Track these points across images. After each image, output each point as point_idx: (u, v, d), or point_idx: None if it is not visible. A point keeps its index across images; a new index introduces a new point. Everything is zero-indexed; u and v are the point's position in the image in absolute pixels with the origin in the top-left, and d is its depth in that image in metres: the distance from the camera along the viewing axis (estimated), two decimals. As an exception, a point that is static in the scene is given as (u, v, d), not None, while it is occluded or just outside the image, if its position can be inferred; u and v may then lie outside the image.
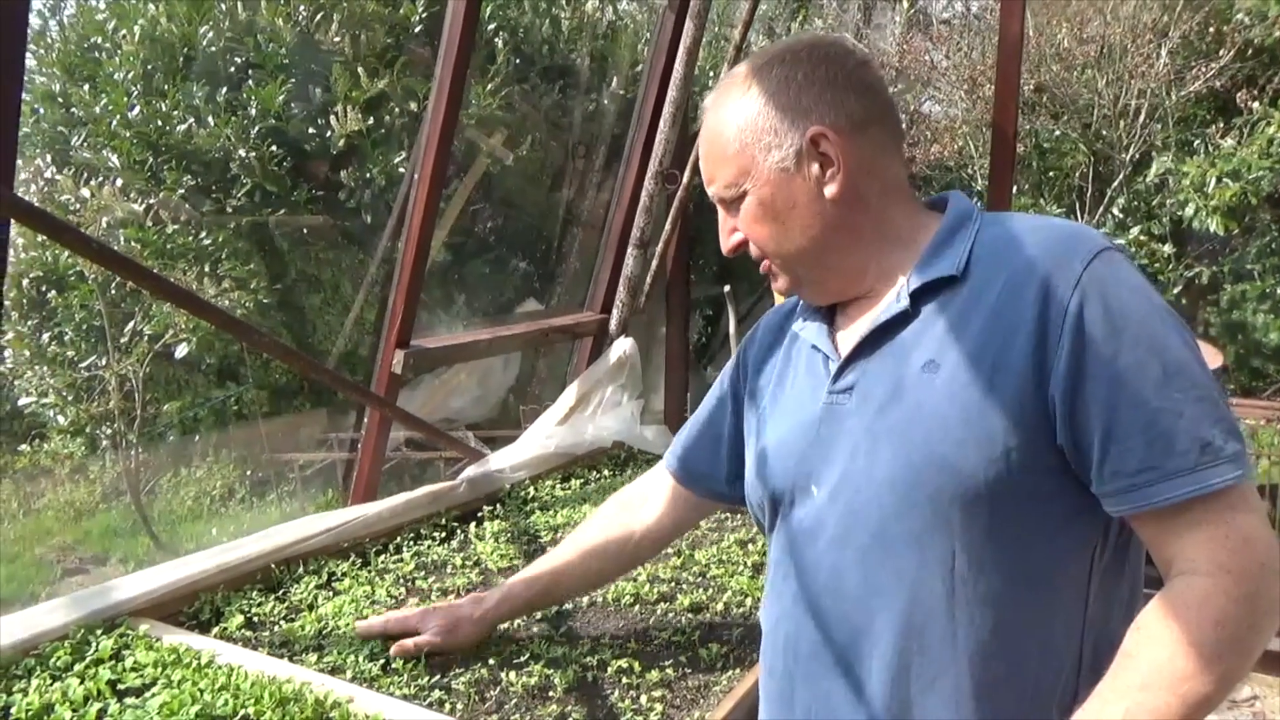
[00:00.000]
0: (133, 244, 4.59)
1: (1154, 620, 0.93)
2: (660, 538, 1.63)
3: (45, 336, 5.07)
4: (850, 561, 1.08)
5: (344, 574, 2.26)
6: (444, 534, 2.57)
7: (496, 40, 5.23)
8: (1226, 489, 0.92)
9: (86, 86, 4.97)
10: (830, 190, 1.11)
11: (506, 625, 2.03)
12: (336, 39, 4.87)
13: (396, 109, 4.93)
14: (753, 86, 1.13)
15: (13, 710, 1.54)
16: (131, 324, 4.73)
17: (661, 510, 1.57)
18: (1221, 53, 5.88)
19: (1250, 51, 5.91)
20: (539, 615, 2.10)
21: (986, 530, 1.00)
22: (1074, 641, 1.02)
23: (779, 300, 1.48)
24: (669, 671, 1.87)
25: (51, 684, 1.63)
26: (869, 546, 1.06)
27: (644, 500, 1.60)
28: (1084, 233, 1.04)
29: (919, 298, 1.08)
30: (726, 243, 1.20)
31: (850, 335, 1.16)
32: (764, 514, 1.25)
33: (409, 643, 1.70)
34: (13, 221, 1.90)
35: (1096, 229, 5.46)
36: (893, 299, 1.10)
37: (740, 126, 1.13)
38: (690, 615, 2.12)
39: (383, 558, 2.37)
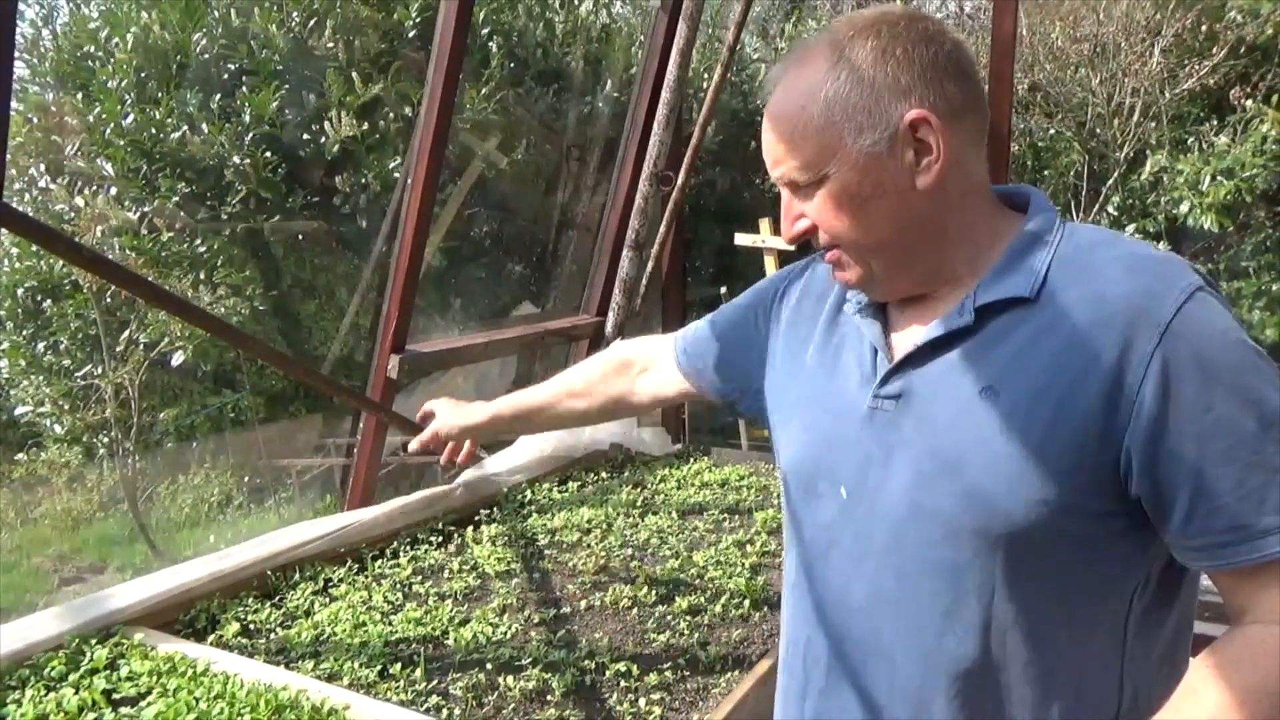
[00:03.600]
0: (128, 252, 4.58)
1: (1226, 661, 0.90)
2: (643, 408, 1.60)
3: (40, 345, 5.06)
4: (883, 579, 1.04)
5: (340, 580, 2.25)
6: (441, 538, 2.56)
7: (490, 44, 5.24)
8: None
9: (80, 95, 4.96)
10: (923, 181, 1.00)
11: (505, 631, 2.03)
12: (330, 44, 4.87)
13: (391, 114, 4.93)
14: (843, 58, 1.00)
15: (7, 720, 1.53)
16: (127, 332, 4.72)
17: (656, 383, 1.52)
18: (1215, 50, 5.88)
19: (1243, 49, 5.90)
20: (536, 620, 2.10)
21: (1028, 567, 0.96)
22: (1111, 678, 0.99)
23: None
24: (667, 674, 1.86)
25: (46, 694, 1.62)
26: (906, 567, 1.02)
27: (645, 367, 1.53)
28: (1175, 269, 0.95)
29: (984, 313, 1.00)
30: (791, 230, 1.07)
31: (906, 335, 1.08)
32: (787, 494, 1.20)
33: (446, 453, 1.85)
34: (6, 230, 1.90)
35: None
36: (956, 310, 1.02)
37: (827, 102, 0.99)
38: (689, 618, 2.11)
39: (379, 563, 2.37)
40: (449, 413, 1.79)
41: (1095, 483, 0.93)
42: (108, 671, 1.70)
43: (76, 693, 1.61)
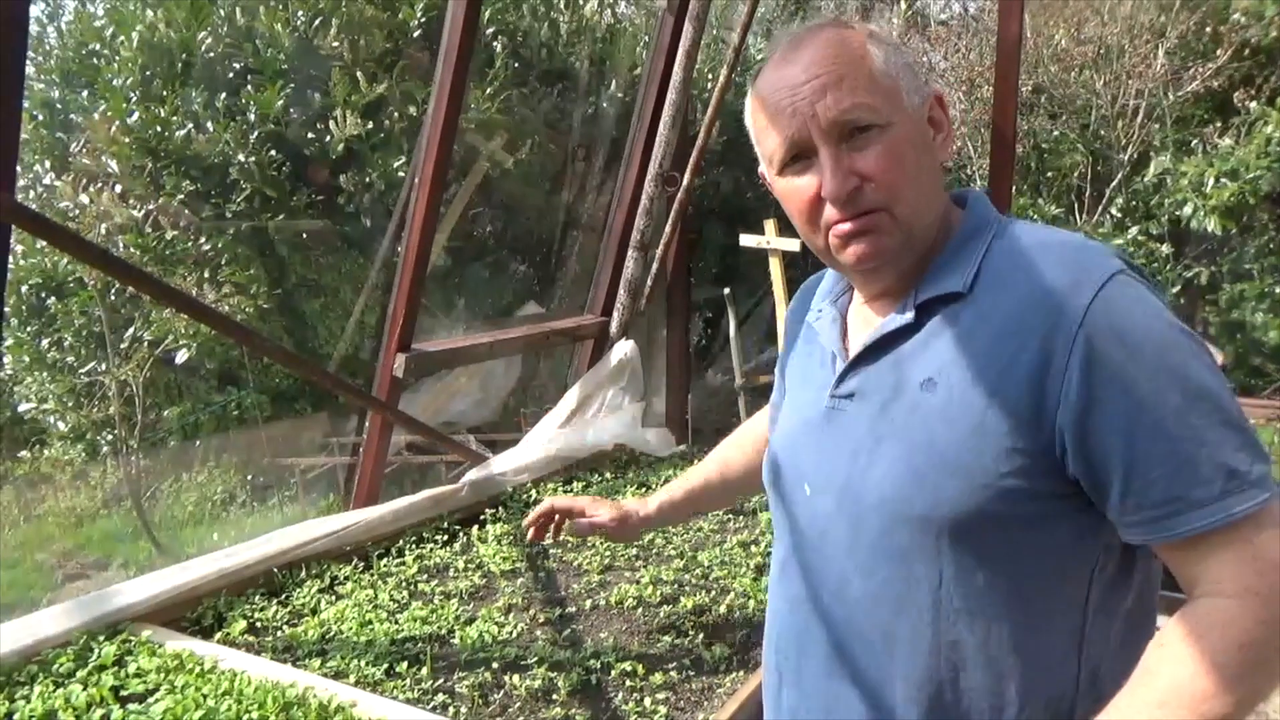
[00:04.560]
0: (132, 250, 4.58)
1: (1177, 638, 0.92)
2: None
3: (45, 342, 5.07)
4: (846, 570, 1.07)
5: (346, 578, 2.26)
6: (446, 537, 2.57)
7: (495, 44, 5.24)
8: (1255, 512, 0.90)
9: (85, 93, 4.97)
10: (941, 154, 1.08)
11: (510, 630, 2.03)
12: (335, 44, 4.87)
13: (395, 113, 4.93)
14: (872, 34, 1.05)
15: (16, 717, 1.54)
16: (131, 330, 4.73)
17: None
18: (1219, 53, 5.88)
19: (1247, 51, 5.90)
20: (542, 619, 2.10)
21: (976, 550, 0.98)
22: (1070, 658, 1.01)
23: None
24: (672, 674, 1.87)
25: (54, 690, 1.62)
26: (864, 557, 1.05)
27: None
28: (1095, 255, 0.99)
29: (925, 309, 1.05)
30: (845, 185, 1.01)
31: (859, 336, 1.13)
32: (771, 504, 1.25)
33: (585, 522, 1.72)
34: (18, 228, 1.91)
35: (1092, 233, 5.41)
36: (898, 308, 1.07)
37: (885, 59, 1.03)
38: (694, 617, 2.12)
39: (385, 561, 2.37)
40: (619, 507, 1.73)
41: (1034, 466, 0.96)
42: (116, 668, 1.71)
43: (85, 689, 1.62)
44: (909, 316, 1.05)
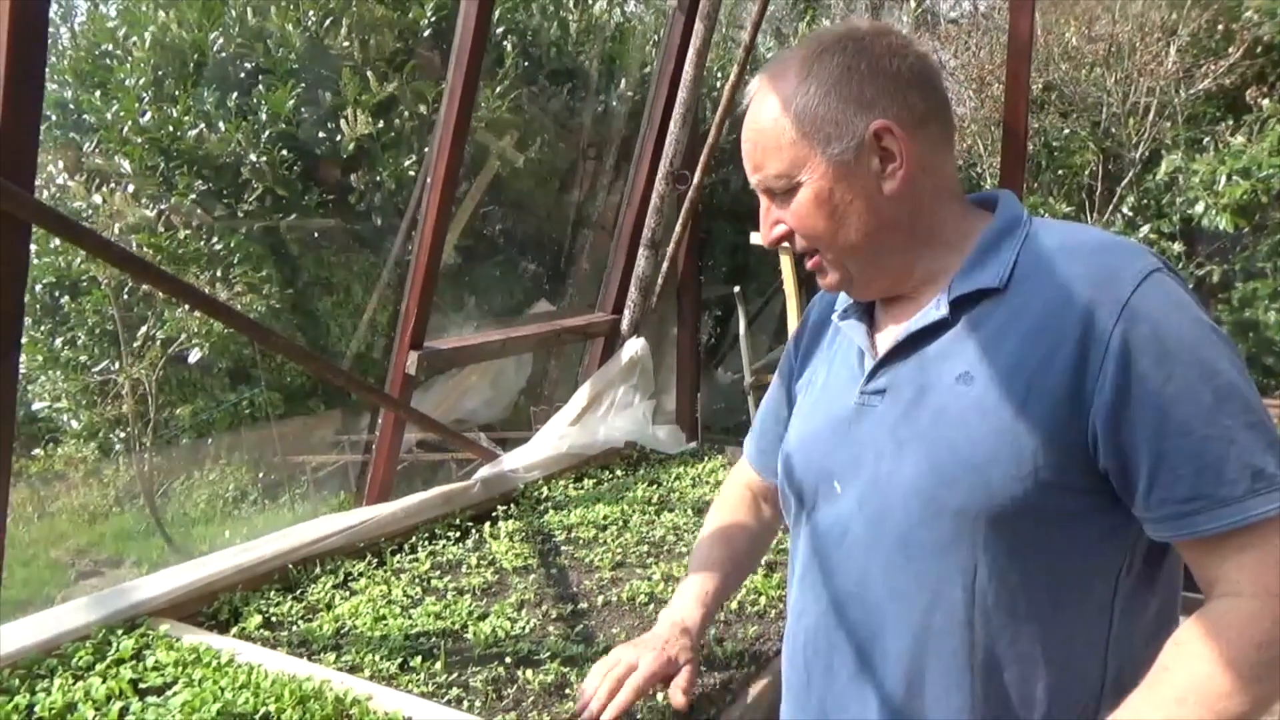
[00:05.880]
0: (145, 249, 4.62)
1: (1194, 637, 0.93)
2: (777, 529, 1.60)
3: (58, 341, 5.11)
4: (874, 566, 1.08)
5: (360, 574, 2.27)
6: (459, 534, 2.58)
7: (505, 43, 5.25)
8: (1278, 515, 0.91)
9: (98, 93, 5.00)
10: (889, 186, 1.07)
11: (523, 625, 2.04)
12: (346, 43, 4.89)
13: (406, 112, 4.96)
14: (811, 73, 1.07)
15: (37, 709, 1.56)
16: (144, 328, 4.76)
17: (772, 506, 1.51)
18: (1231, 50, 5.86)
19: (1260, 49, 5.88)
20: (554, 615, 2.11)
21: (1010, 545, 0.99)
22: (1096, 657, 1.02)
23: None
24: (685, 669, 1.87)
25: (74, 683, 1.64)
26: (892, 552, 1.06)
27: (756, 497, 1.55)
28: (1133, 252, 1.01)
29: (958, 306, 1.06)
30: (769, 234, 1.14)
31: (888, 333, 1.14)
32: (788, 503, 1.25)
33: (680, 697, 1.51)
34: (39, 227, 1.92)
35: (1106, 226, 5.39)
36: (932, 305, 1.08)
37: (798, 114, 1.06)
38: (705, 613, 2.12)
39: (398, 557, 2.39)
40: (664, 640, 1.51)
41: (1069, 459, 0.97)
42: (134, 661, 1.72)
43: (104, 682, 1.63)
44: (943, 312, 1.06)
